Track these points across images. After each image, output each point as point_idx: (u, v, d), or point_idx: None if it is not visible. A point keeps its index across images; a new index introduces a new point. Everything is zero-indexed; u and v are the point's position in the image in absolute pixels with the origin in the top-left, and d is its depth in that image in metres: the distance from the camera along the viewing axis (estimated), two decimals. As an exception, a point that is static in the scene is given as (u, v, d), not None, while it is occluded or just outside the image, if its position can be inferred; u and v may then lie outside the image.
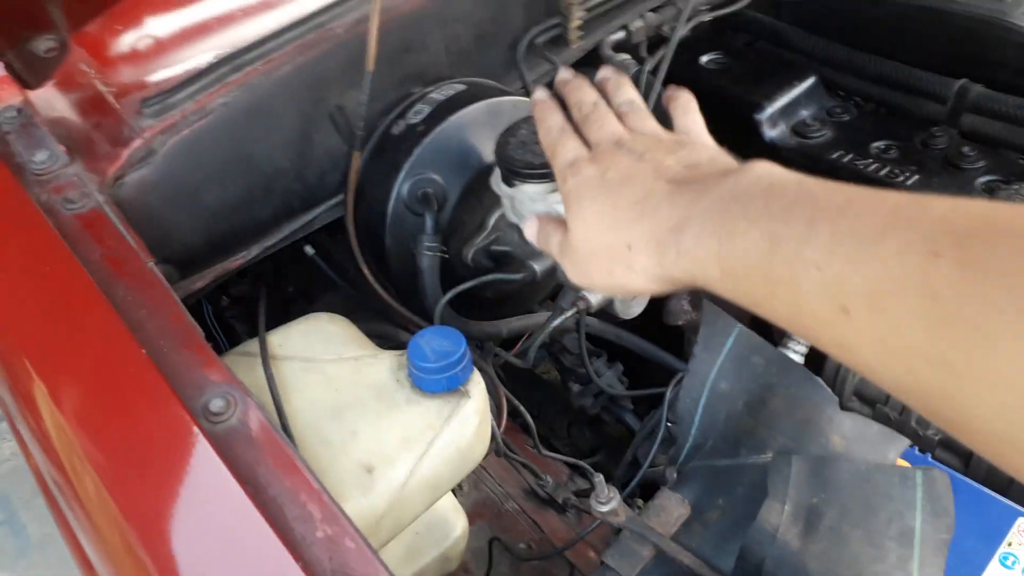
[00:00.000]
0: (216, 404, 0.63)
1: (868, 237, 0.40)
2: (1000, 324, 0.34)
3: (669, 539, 0.73)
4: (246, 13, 0.97)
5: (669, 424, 0.98)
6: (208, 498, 0.60)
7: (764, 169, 0.51)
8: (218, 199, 0.95)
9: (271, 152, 0.98)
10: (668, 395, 1.00)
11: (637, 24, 1.31)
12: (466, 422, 0.77)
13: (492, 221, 1.06)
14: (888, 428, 0.76)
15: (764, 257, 0.46)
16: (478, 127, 1.04)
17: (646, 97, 1.23)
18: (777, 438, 0.77)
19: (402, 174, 1.02)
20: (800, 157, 1.27)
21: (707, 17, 1.39)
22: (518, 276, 0.97)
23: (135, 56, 0.94)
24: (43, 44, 0.77)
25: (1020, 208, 0.37)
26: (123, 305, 0.71)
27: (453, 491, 0.89)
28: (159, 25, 0.96)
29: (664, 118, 1.25)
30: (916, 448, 0.77)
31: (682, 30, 1.28)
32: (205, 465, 0.60)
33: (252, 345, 0.84)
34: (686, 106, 0.69)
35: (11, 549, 2.09)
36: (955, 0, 1.30)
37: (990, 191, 1.15)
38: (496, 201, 1.05)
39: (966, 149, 1.19)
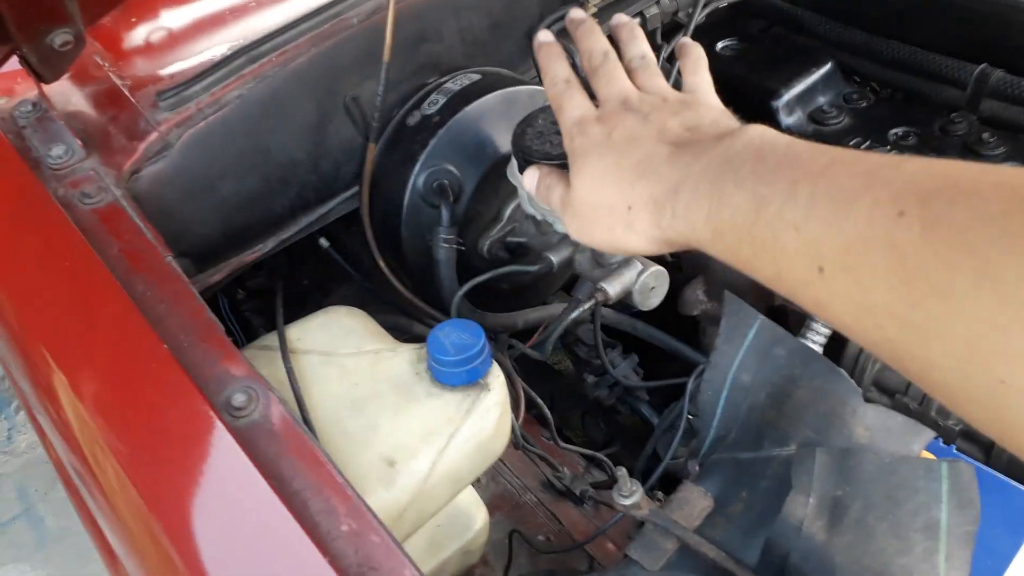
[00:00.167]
0: (238, 399, 0.63)
1: (843, 198, 0.42)
2: (954, 281, 0.35)
3: (693, 532, 0.72)
4: (260, 4, 0.97)
5: (690, 416, 0.98)
6: (233, 492, 0.60)
7: (757, 132, 0.53)
8: (234, 192, 0.95)
9: (287, 144, 0.97)
10: (689, 387, 1.00)
11: (652, 11, 1.29)
12: (486, 415, 0.77)
13: (508, 212, 1.06)
14: (912, 420, 0.75)
15: (749, 219, 0.47)
16: (494, 117, 1.03)
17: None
18: (800, 430, 0.76)
19: (418, 165, 1.01)
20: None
21: (723, 3, 1.38)
22: (535, 268, 0.96)
23: (150, 49, 0.94)
24: (59, 38, 0.77)
25: (984, 168, 0.38)
26: (143, 300, 0.71)
27: (472, 484, 0.89)
28: (173, 17, 0.95)
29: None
30: (940, 439, 0.77)
31: (698, 16, 1.27)
32: (229, 459, 0.60)
33: (271, 339, 0.83)
34: (695, 64, 0.70)
35: (29, 541, 2.11)
36: (977, -16, 1.28)
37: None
38: (512, 192, 1.05)
39: (986, 135, 1.17)
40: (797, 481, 0.71)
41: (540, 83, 1.17)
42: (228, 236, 0.97)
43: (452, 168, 1.01)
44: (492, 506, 1.06)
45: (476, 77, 1.07)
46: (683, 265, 1.27)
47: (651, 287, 0.95)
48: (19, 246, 0.80)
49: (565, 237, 0.95)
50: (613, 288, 0.94)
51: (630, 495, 0.71)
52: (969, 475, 0.69)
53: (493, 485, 1.10)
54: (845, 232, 0.41)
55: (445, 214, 0.99)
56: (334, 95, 0.99)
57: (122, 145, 0.87)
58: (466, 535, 0.90)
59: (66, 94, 0.91)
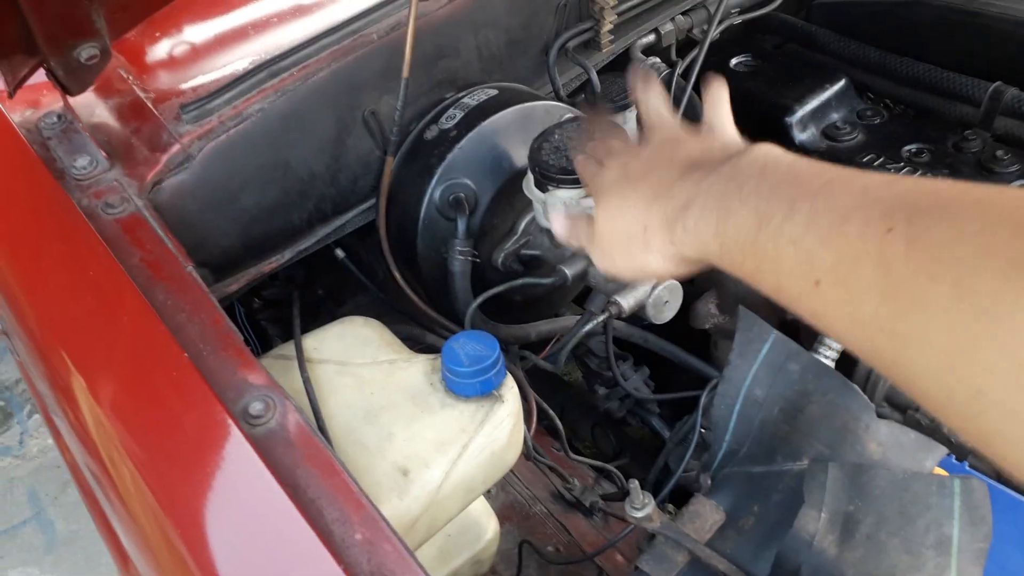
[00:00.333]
0: (256, 407, 0.64)
1: (838, 215, 0.43)
2: (934, 293, 0.36)
3: (704, 545, 0.73)
4: (282, 20, 0.98)
5: (703, 430, 0.98)
6: (249, 498, 0.60)
7: (762, 151, 0.54)
8: (254, 203, 0.96)
9: (306, 157, 0.99)
10: (702, 401, 1.00)
11: (668, 27, 1.31)
12: (500, 426, 0.77)
13: (523, 225, 1.07)
14: (925, 436, 0.75)
15: (752, 234, 0.49)
16: (510, 132, 1.04)
17: (677, 100, 1.23)
18: (813, 445, 0.76)
19: (434, 178, 1.02)
20: (830, 160, 1.25)
21: (737, 20, 1.39)
22: (549, 280, 0.97)
23: (173, 63, 0.96)
24: (85, 52, 0.78)
25: (968, 187, 0.39)
26: (163, 308, 0.72)
27: (483, 494, 0.90)
28: (196, 32, 0.97)
29: (695, 116, 1.24)
30: (953, 456, 0.77)
31: (713, 32, 1.28)
32: (246, 466, 0.61)
33: (287, 348, 0.85)
34: (716, 99, 0.71)
35: (39, 545, 2.12)
36: (991, 3, 1.29)
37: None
38: (527, 205, 1.06)
39: (1000, 152, 1.18)
40: (809, 496, 0.71)
41: (556, 98, 1.19)
42: (247, 247, 0.98)
43: (468, 181, 1.03)
44: (502, 516, 1.06)
45: (493, 92, 1.08)
46: (695, 279, 1.27)
47: (664, 301, 0.95)
48: (43, 254, 0.81)
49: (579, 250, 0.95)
50: (627, 301, 0.94)
51: (642, 507, 0.71)
52: (981, 492, 0.69)
53: (503, 495, 1.10)
54: (838, 247, 0.43)
55: (461, 227, 1.00)
56: (353, 109, 1.01)
57: (145, 157, 0.88)
58: (477, 545, 0.90)
59: (91, 106, 0.93)
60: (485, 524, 0.92)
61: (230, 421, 0.63)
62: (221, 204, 0.94)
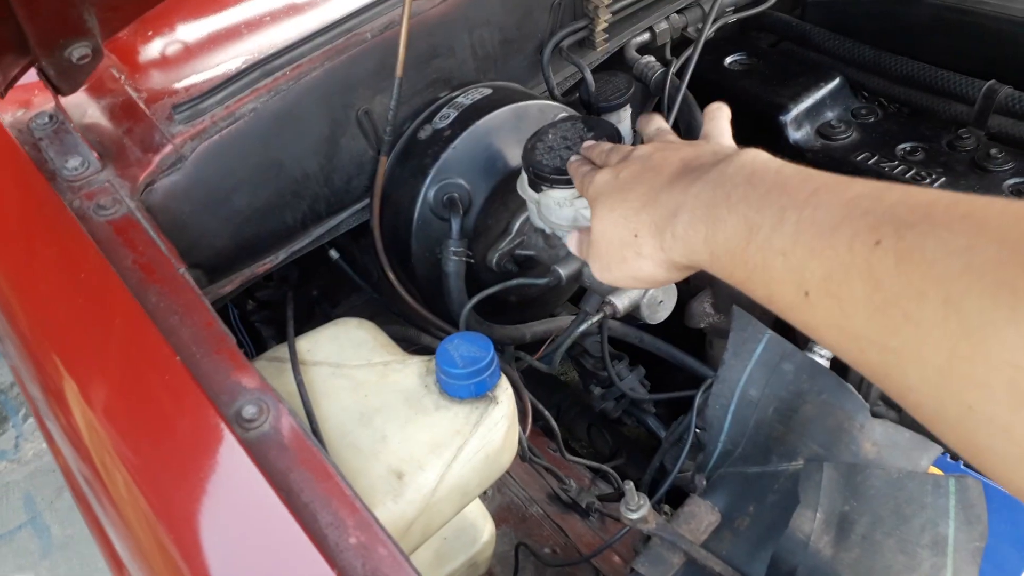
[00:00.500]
0: (249, 410, 0.64)
1: (826, 227, 0.44)
2: (924, 310, 0.37)
3: (699, 546, 0.72)
4: (275, 19, 0.97)
5: (698, 430, 0.98)
6: (242, 503, 0.60)
7: (749, 157, 0.55)
8: (247, 204, 0.96)
9: (299, 157, 0.98)
10: (697, 401, 1.00)
11: (662, 26, 1.30)
12: (495, 427, 0.77)
13: (517, 225, 1.06)
14: (920, 435, 0.75)
15: (741, 244, 0.49)
16: (504, 132, 1.04)
17: (671, 99, 1.23)
18: (808, 445, 0.76)
19: (428, 178, 1.02)
20: (825, 159, 1.26)
21: (732, 18, 1.38)
22: (543, 281, 0.97)
23: (165, 62, 0.95)
24: (77, 51, 0.78)
25: (956, 199, 0.39)
26: (156, 311, 0.71)
27: (478, 496, 0.89)
28: (189, 31, 0.96)
29: (688, 122, 1.24)
30: (948, 455, 0.77)
31: (707, 31, 1.28)
32: (239, 470, 0.61)
33: (281, 350, 0.84)
34: (715, 112, 0.72)
35: (35, 550, 2.11)
36: (985, 1, 1.29)
37: (1018, 193, 1.14)
38: (521, 205, 1.05)
39: (994, 151, 1.18)
40: (804, 496, 0.71)
41: (550, 97, 1.18)
42: (240, 248, 0.98)
43: (462, 181, 1.02)
44: (498, 518, 1.06)
45: (487, 91, 1.08)
46: (690, 279, 1.27)
47: (659, 301, 0.95)
48: (34, 256, 0.81)
49: (573, 250, 0.95)
50: (621, 302, 0.94)
51: (637, 509, 0.71)
52: (977, 491, 0.69)
53: (500, 497, 1.10)
54: (827, 260, 0.43)
55: (455, 227, 1.00)
56: (347, 109, 1.00)
57: (137, 157, 0.88)
58: (473, 548, 0.90)
59: (82, 106, 0.92)
60: (481, 527, 0.92)
61: (223, 425, 0.62)
62: (214, 205, 0.93)
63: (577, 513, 1.12)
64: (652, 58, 1.30)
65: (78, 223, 0.78)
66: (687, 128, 1.27)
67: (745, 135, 0.70)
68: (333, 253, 1.12)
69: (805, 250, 0.44)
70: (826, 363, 0.97)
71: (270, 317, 1.28)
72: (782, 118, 1.30)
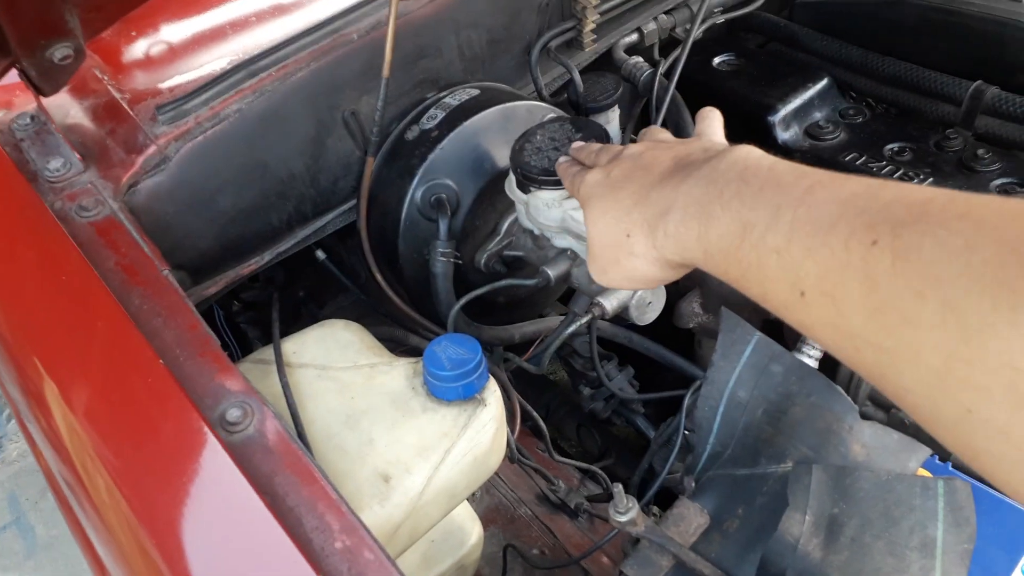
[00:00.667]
0: (233, 413, 0.63)
1: (821, 225, 0.43)
2: (922, 311, 0.36)
3: (688, 549, 0.72)
4: (260, 19, 0.97)
5: (687, 432, 0.98)
6: (226, 507, 0.59)
7: (742, 153, 0.54)
8: (232, 205, 0.95)
9: (285, 158, 0.97)
10: (686, 402, 1.00)
11: (650, 26, 1.30)
12: (482, 430, 0.76)
13: (505, 226, 1.06)
14: (909, 437, 0.75)
15: (735, 242, 0.49)
16: (492, 132, 1.03)
17: (660, 99, 1.23)
18: (797, 447, 0.76)
19: (416, 179, 1.01)
20: (813, 159, 1.26)
21: (720, 19, 1.39)
22: (532, 282, 0.96)
23: (149, 62, 0.94)
24: (59, 52, 0.77)
25: (953, 197, 0.39)
26: (139, 313, 0.71)
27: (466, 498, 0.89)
28: (173, 32, 0.96)
29: (677, 123, 1.24)
30: (936, 457, 0.77)
31: (696, 32, 1.27)
32: (222, 474, 0.60)
33: (266, 352, 0.83)
34: (708, 113, 0.71)
35: (19, 550, 2.10)
36: (971, 2, 1.29)
37: (1005, 193, 1.14)
38: (510, 206, 1.05)
39: (981, 151, 1.18)
40: (793, 498, 0.71)
41: (538, 98, 1.18)
42: (225, 249, 0.97)
43: (450, 182, 1.02)
44: (486, 519, 1.05)
45: (475, 92, 1.07)
46: (679, 279, 1.27)
47: (648, 302, 0.95)
48: (15, 258, 0.80)
49: (562, 251, 0.95)
50: (610, 303, 0.94)
51: (626, 512, 0.71)
52: (965, 493, 0.69)
53: (488, 498, 1.10)
54: (823, 259, 0.42)
55: (443, 228, 0.99)
56: (333, 109, 0.99)
57: (120, 158, 0.87)
58: (460, 550, 0.90)
59: (65, 107, 0.91)
60: (469, 529, 0.91)
61: (206, 428, 0.62)
62: (198, 206, 0.92)
63: (566, 514, 1.11)
64: (640, 59, 1.30)
65: (60, 225, 0.78)
66: (675, 129, 1.26)
67: (733, 136, 0.70)
68: (320, 254, 1.11)
69: (800, 249, 0.44)
70: (815, 364, 0.97)
71: (255, 318, 1.28)
72: (770, 118, 1.30)
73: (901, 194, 0.41)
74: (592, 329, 1.15)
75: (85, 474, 0.69)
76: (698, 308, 1.25)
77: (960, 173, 1.18)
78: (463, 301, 0.99)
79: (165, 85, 0.92)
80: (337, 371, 0.81)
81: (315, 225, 1.04)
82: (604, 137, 0.86)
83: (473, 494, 1.09)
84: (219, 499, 0.60)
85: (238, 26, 0.96)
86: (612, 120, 1.08)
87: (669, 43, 1.34)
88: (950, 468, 0.77)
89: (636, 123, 1.36)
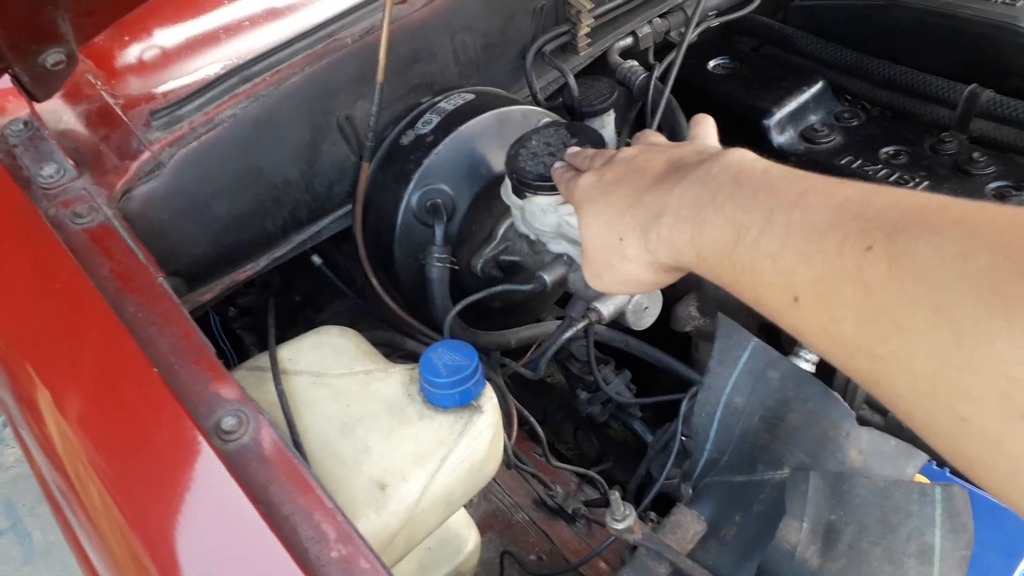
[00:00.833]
0: (228, 422, 0.63)
1: (816, 230, 0.43)
2: (916, 318, 0.36)
3: (685, 556, 0.72)
4: (254, 24, 0.96)
5: (684, 438, 0.98)
6: (221, 517, 0.59)
7: (735, 157, 0.54)
8: (227, 211, 0.94)
9: (280, 163, 0.97)
10: (683, 408, 0.99)
11: (645, 30, 1.30)
12: (479, 437, 0.76)
13: (501, 231, 1.06)
14: (906, 443, 0.75)
15: (728, 245, 0.49)
16: (487, 137, 1.03)
17: (655, 103, 1.22)
18: (794, 454, 0.76)
19: (411, 184, 1.01)
20: (808, 163, 1.26)
21: (715, 22, 1.39)
22: (528, 287, 0.96)
23: (143, 67, 0.94)
24: (51, 57, 0.76)
25: (948, 203, 0.39)
26: (133, 321, 0.70)
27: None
28: (167, 36, 0.95)
29: (672, 126, 1.24)
30: (934, 463, 0.77)
31: (690, 35, 1.27)
32: (217, 484, 0.60)
33: (262, 359, 0.83)
34: (701, 119, 0.71)
35: (16, 556, 2.09)
36: (966, 6, 1.29)
37: (1000, 197, 1.14)
38: (506, 211, 1.05)
39: (976, 155, 1.18)
40: (791, 505, 0.71)
41: (533, 102, 1.18)
42: (220, 255, 0.96)
43: (446, 187, 1.01)
44: (483, 525, 1.05)
45: (470, 97, 1.07)
46: (676, 282, 1.27)
47: (644, 307, 0.95)
48: (8, 266, 0.79)
49: (558, 256, 0.95)
50: (607, 308, 0.93)
51: (623, 519, 0.71)
52: (963, 499, 0.69)
53: (485, 504, 1.09)
54: (817, 264, 0.42)
55: (438, 233, 0.99)
56: (328, 114, 0.99)
57: (114, 164, 0.86)
58: (457, 558, 0.89)
59: (58, 113, 0.91)
60: (465, 536, 0.91)
61: (201, 437, 0.61)
62: (193, 212, 0.92)
63: (563, 519, 1.11)
64: (635, 62, 1.30)
65: (53, 232, 0.77)
66: (671, 133, 1.26)
67: (728, 139, 0.69)
68: (316, 259, 1.10)
69: (794, 253, 0.44)
70: (811, 368, 0.97)
71: (252, 324, 1.27)
72: (765, 122, 1.30)
73: (896, 199, 0.41)
74: (589, 333, 1.15)
75: (78, 482, 0.68)
76: (695, 312, 1.25)
77: (955, 176, 1.18)
78: (459, 307, 0.99)
79: (159, 90, 0.91)
80: (333, 378, 0.80)
81: (311, 230, 1.04)
82: (599, 142, 0.86)
83: (471, 500, 1.08)
84: (214, 508, 0.60)
85: (232, 31, 0.96)
86: (607, 124, 1.08)
87: (664, 47, 1.34)
88: (948, 474, 0.77)
89: (631, 127, 1.36)
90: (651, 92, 1.26)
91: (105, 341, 0.70)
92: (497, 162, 1.02)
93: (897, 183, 1.18)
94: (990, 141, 1.24)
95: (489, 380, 0.81)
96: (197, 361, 0.67)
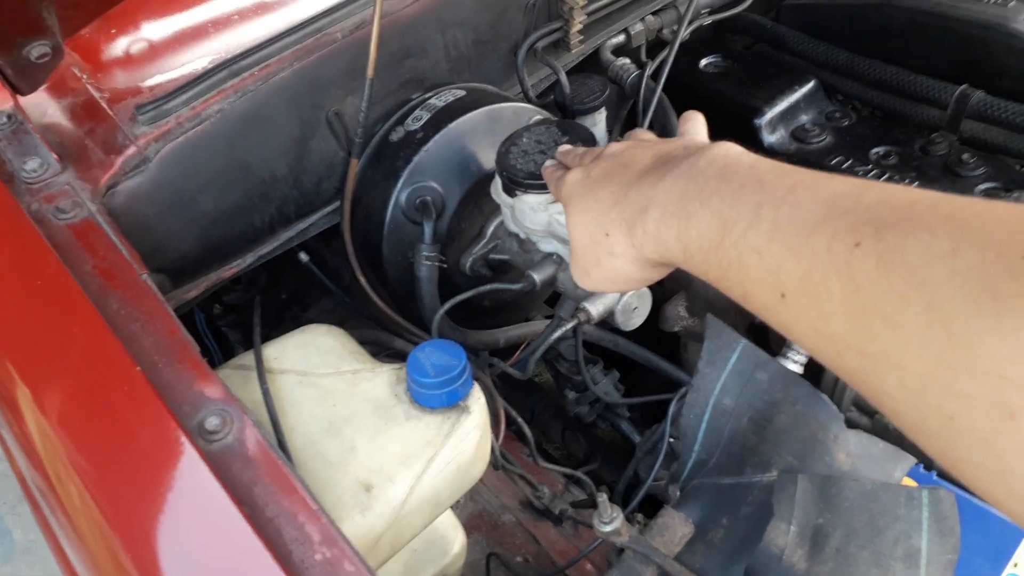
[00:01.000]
0: (212, 422, 0.62)
1: (805, 225, 0.42)
2: (906, 315, 0.36)
3: (673, 559, 0.72)
4: (243, 17, 0.95)
5: (672, 439, 0.97)
6: (203, 518, 0.58)
7: (721, 150, 0.53)
8: (213, 207, 0.93)
9: (267, 159, 0.96)
10: (671, 409, 0.99)
11: (637, 28, 1.30)
12: (466, 438, 0.76)
13: (491, 229, 1.05)
14: (893, 446, 0.75)
15: (715, 240, 0.48)
16: (478, 134, 1.02)
17: (647, 101, 1.22)
18: (782, 456, 0.76)
19: (400, 181, 1.00)
20: (799, 162, 1.24)
21: (707, 20, 1.38)
22: (517, 286, 0.96)
23: (129, 61, 0.92)
24: (36, 50, 0.75)
25: (938, 199, 0.38)
26: (116, 318, 0.69)
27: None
28: (154, 29, 0.94)
29: (663, 124, 1.23)
30: (921, 466, 0.77)
31: (683, 33, 1.27)
32: (200, 484, 0.59)
33: (247, 358, 0.82)
34: (691, 115, 0.71)
35: (-3, 554, 2.07)
36: (957, 6, 1.29)
37: (990, 198, 1.14)
38: (496, 209, 1.04)
39: (966, 156, 1.18)
40: (778, 508, 0.70)
41: (525, 100, 1.17)
42: (206, 251, 0.95)
43: (435, 185, 1.01)
44: (469, 526, 1.04)
45: (461, 93, 1.06)
46: (664, 281, 1.27)
47: (633, 307, 0.94)
48: (-11, 261, 0.78)
49: (548, 255, 0.94)
50: (595, 308, 0.93)
51: (610, 521, 0.70)
52: (950, 503, 0.69)
53: (471, 505, 1.09)
54: (805, 260, 0.42)
55: (427, 231, 0.98)
56: (316, 110, 0.98)
57: (99, 159, 0.85)
58: (443, 560, 0.89)
59: (42, 106, 0.90)
60: (452, 538, 0.90)
61: (184, 437, 0.60)
62: (179, 208, 0.91)
63: (550, 520, 1.11)
64: (627, 60, 1.29)
65: (36, 227, 0.76)
66: (662, 131, 1.26)
67: (719, 137, 0.69)
68: (303, 256, 1.10)
69: (782, 249, 0.43)
70: (799, 369, 0.97)
71: (237, 321, 1.26)
72: (757, 121, 1.30)
73: (885, 195, 0.41)
74: (578, 333, 1.14)
75: (58, 482, 0.67)
76: (684, 312, 1.25)
77: (945, 177, 1.18)
78: (448, 305, 0.98)
79: (145, 84, 0.90)
80: (319, 377, 0.79)
81: (298, 227, 1.03)
82: (591, 140, 0.85)
83: (457, 501, 1.08)
84: (196, 509, 0.59)
85: (220, 24, 0.95)
86: (599, 122, 1.07)
87: (656, 44, 1.33)
88: (935, 477, 0.77)
89: (623, 125, 1.35)
90: (643, 90, 1.25)
91: (87, 339, 0.69)
92: (487, 160, 1.02)
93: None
94: (980, 142, 1.24)
95: (477, 380, 0.81)
96: (181, 359, 0.67)
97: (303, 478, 0.60)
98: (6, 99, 0.88)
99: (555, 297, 1.08)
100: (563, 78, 1.13)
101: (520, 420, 1.09)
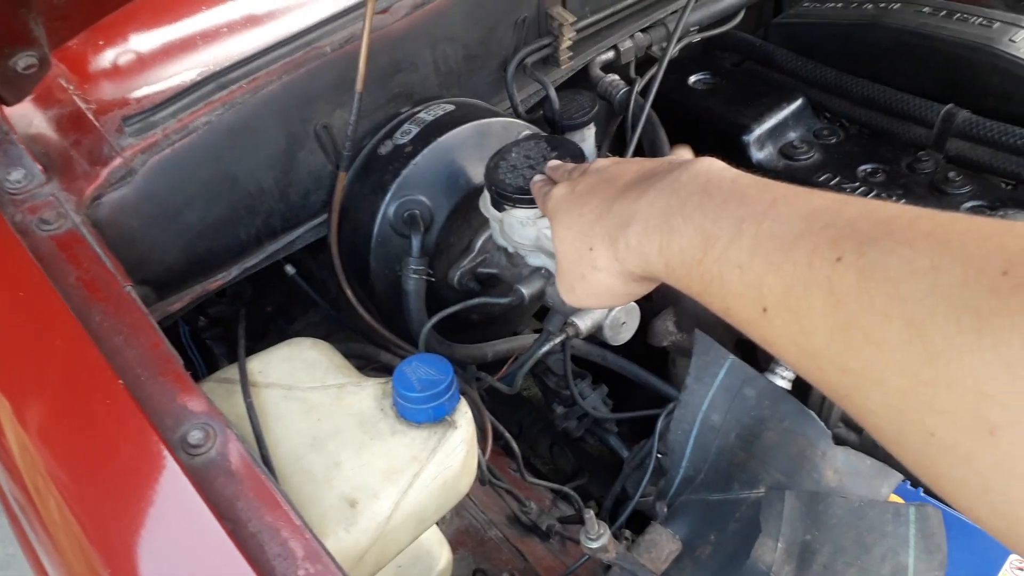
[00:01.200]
0: (195, 436, 0.61)
1: (785, 240, 0.42)
2: (887, 331, 0.35)
3: (660, 576, 0.71)
4: (232, 30, 0.95)
5: (660, 455, 0.97)
6: (185, 533, 0.58)
7: (704, 165, 0.54)
8: (199, 219, 0.93)
9: (254, 171, 0.96)
10: (659, 425, 0.99)
11: (627, 44, 1.30)
12: (453, 453, 0.75)
13: (479, 243, 1.05)
14: (881, 463, 0.75)
15: (696, 255, 0.48)
16: (466, 148, 1.02)
17: (635, 117, 1.22)
18: (770, 472, 0.75)
19: (388, 195, 1.00)
20: (787, 179, 1.24)
21: (696, 38, 1.39)
22: (505, 299, 0.95)
23: (117, 72, 0.92)
24: (23, 60, 0.75)
25: (918, 215, 0.38)
26: (99, 331, 0.69)
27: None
28: (142, 41, 0.94)
29: (652, 141, 1.24)
30: (908, 482, 0.76)
31: (672, 50, 1.28)
32: (182, 499, 0.58)
33: (231, 371, 0.81)
34: (679, 148, 0.72)
35: (-24, 569, 2.04)
36: (944, 27, 1.31)
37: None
38: (483, 223, 1.04)
39: (952, 174, 1.19)
40: (766, 525, 0.70)
41: (514, 115, 1.17)
42: (191, 264, 0.95)
43: (423, 198, 1.00)
44: (456, 542, 1.04)
45: (450, 108, 1.06)
46: (652, 296, 1.26)
47: (622, 322, 0.94)
48: (-30, 272, 0.77)
49: (536, 269, 0.94)
50: (584, 323, 0.93)
51: (597, 538, 0.70)
52: (936, 519, 0.69)
53: (458, 520, 1.08)
54: (786, 275, 0.41)
55: (415, 244, 0.98)
56: (305, 123, 0.98)
57: (84, 170, 0.85)
58: None
59: (28, 117, 0.89)
60: (437, 554, 0.89)
61: (166, 451, 0.60)
62: (164, 220, 0.90)
63: (537, 536, 1.10)
64: (616, 77, 1.30)
65: (19, 238, 0.75)
66: (651, 147, 1.26)
67: (708, 154, 0.70)
68: (289, 268, 1.09)
69: (763, 264, 0.43)
70: (788, 386, 0.97)
71: (222, 334, 1.25)
72: (745, 138, 1.31)
73: (866, 210, 0.41)
74: (566, 348, 1.14)
75: (37, 495, 0.66)
76: (672, 327, 1.25)
77: (931, 195, 1.19)
78: (435, 319, 0.97)
79: (133, 96, 0.90)
80: (304, 391, 0.79)
81: (284, 240, 1.03)
82: (579, 155, 0.85)
83: (443, 516, 1.07)
84: (178, 524, 0.58)
85: (209, 37, 0.95)
86: (588, 138, 1.07)
87: (645, 61, 1.34)
88: (922, 494, 0.76)
89: (611, 141, 1.36)
90: (632, 106, 1.25)
91: (70, 351, 0.68)
92: (476, 174, 1.02)
93: (874, 201, 1.18)
94: (966, 161, 1.25)
95: (464, 394, 0.80)
96: (164, 372, 0.66)
97: (287, 493, 0.60)
98: (-9, 109, 0.88)
99: (543, 311, 1.08)
100: (552, 94, 1.13)
101: (507, 435, 1.08)
